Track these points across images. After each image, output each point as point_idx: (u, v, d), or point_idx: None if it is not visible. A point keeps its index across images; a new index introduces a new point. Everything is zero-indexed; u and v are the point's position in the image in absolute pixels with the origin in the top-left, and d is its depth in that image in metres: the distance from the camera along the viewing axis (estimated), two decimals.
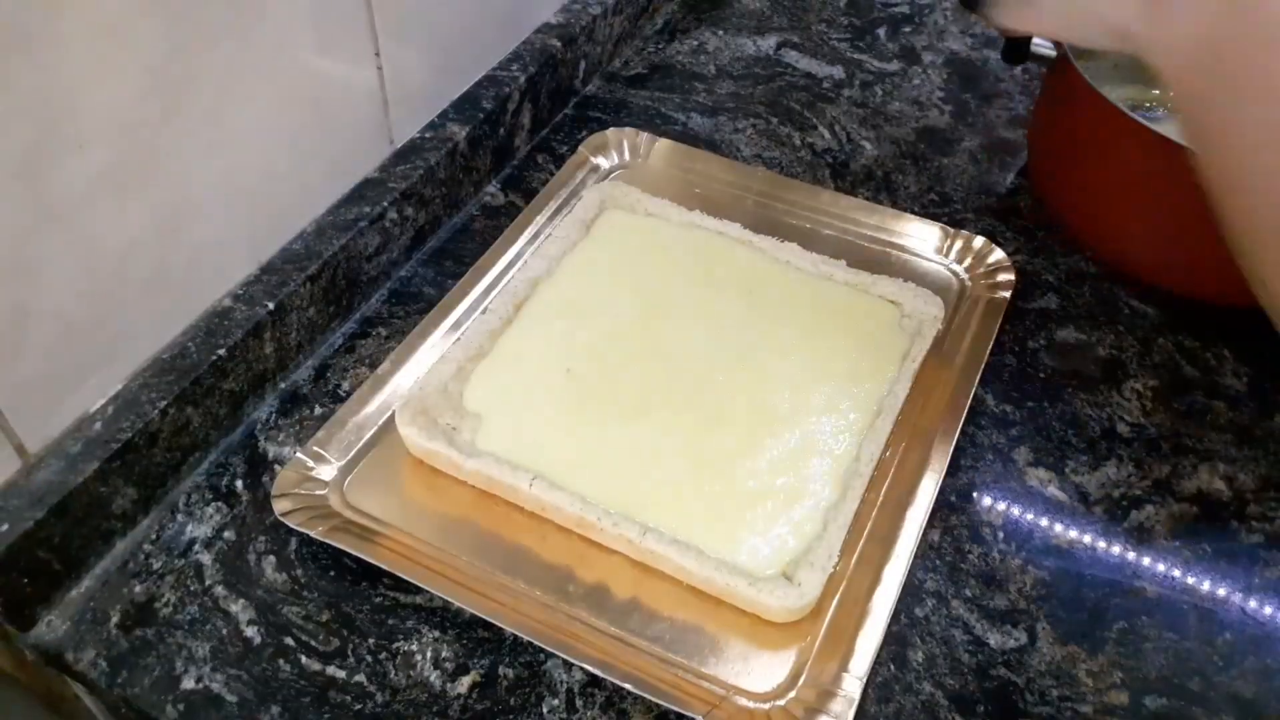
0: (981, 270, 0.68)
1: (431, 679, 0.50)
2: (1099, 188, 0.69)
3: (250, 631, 0.51)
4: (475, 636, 0.52)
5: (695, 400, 0.59)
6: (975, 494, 0.58)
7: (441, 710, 0.49)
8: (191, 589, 0.53)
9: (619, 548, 0.54)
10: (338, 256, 0.63)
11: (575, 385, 0.60)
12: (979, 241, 0.69)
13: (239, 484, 0.57)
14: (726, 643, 0.51)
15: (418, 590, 0.52)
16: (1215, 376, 0.64)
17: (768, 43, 0.89)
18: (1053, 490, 0.58)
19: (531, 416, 0.58)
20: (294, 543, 0.55)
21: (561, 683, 0.50)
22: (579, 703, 0.50)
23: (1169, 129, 0.59)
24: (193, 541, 0.55)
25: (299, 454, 0.57)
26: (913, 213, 0.72)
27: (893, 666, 0.51)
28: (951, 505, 0.57)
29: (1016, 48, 0.70)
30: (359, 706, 0.49)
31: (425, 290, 0.68)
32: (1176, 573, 0.55)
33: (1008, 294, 0.66)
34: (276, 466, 0.58)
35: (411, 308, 0.67)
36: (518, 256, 0.68)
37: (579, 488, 0.54)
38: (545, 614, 0.51)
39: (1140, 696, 0.50)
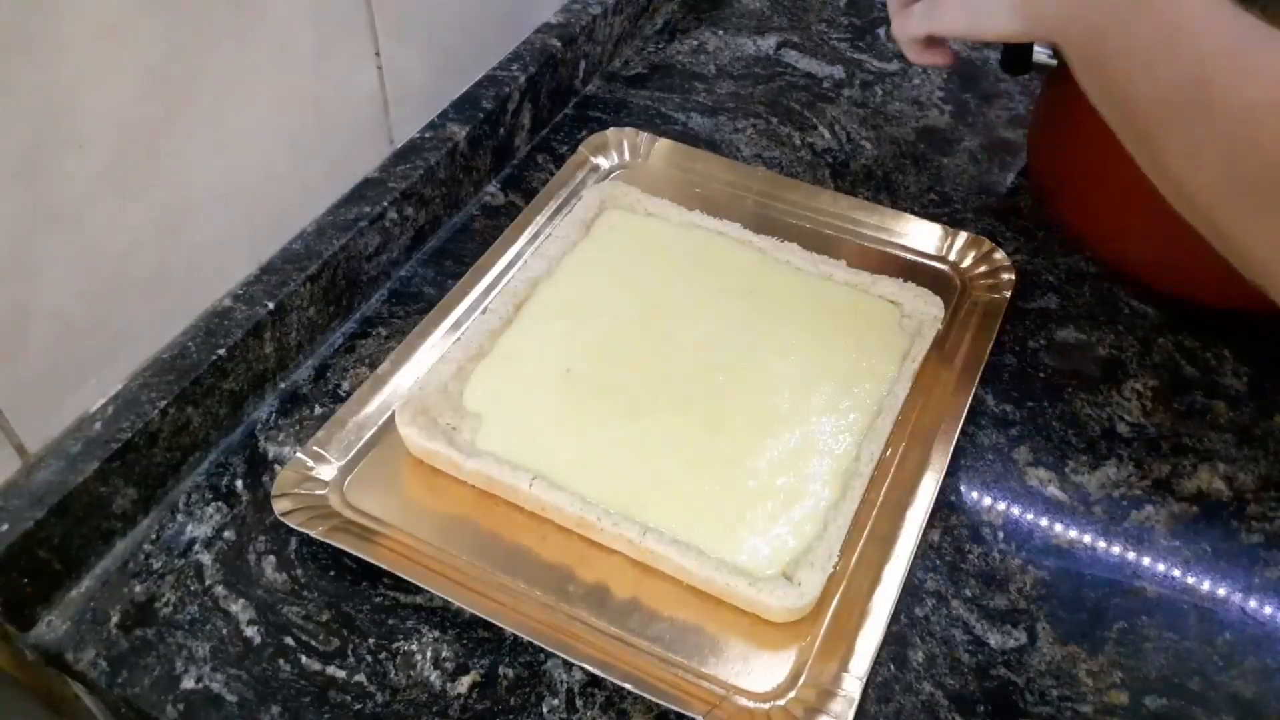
0: (981, 270, 0.68)
1: (431, 679, 0.50)
2: (1099, 188, 0.69)
3: (250, 631, 0.52)
4: (475, 636, 0.52)
5: (695, 400, 0.59)
6: (975, 494, 0.58)
7: (441, 710, 0.49)
8: (191, 589, 0.53)
9: (619, 548, 0.54)
10: (338, 256, 0.63)
11: (575, 385, 0.60)
12: (979, 241, 0.69)
13: (239, 484, 0.57)
14: (726, 643, 0.51)
15: (418, 590, 0.52)
16: (1215, 376, 0.64)
17: (768, 43, 0.89)
18: (1053, 490, 0.58)
19: (531, 416, 0.58)
20: (294, 543, 0.55)
21: (561, 683, 0.50)
22: (579, 703, 0.50)
23: None
24: (193, 541, 0.55)
25: (299, 454, 0.57)
26: (913, 213, 0.72)
27: (893, 666, 0.51)
28: (951, 505, 0.57)
29: (1017, 58, 0.69)
30: (359, 706, 0.49)
31: (425, 290, 0.68)
32: (1176, 573, 0.55)
33: (1008, 294, 0.66)
34: (276, 466, 0.58)
35: (411, 308, 0.67)
36: (518, 256, 0.68)
37: (579, 488, 0.54)
38: (545, 614, 0.51)
39: (1140, 696, 0.50)
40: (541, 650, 0.51)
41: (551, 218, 0.71)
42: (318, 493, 0.55)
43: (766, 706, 0.49)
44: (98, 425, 0.53)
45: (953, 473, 0.58)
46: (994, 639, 0.52)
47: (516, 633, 0.50)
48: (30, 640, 0.51)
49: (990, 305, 0.66)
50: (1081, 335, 0.66)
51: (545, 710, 0.49)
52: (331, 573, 0.54)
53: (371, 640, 0.51)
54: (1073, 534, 0.56)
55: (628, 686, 0.48)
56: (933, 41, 0.60)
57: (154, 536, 0.55)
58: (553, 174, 0.75)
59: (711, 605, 0.52)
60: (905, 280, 0.65)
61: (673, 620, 0.52)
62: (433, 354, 0.62)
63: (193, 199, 0.55)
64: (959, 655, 0.52)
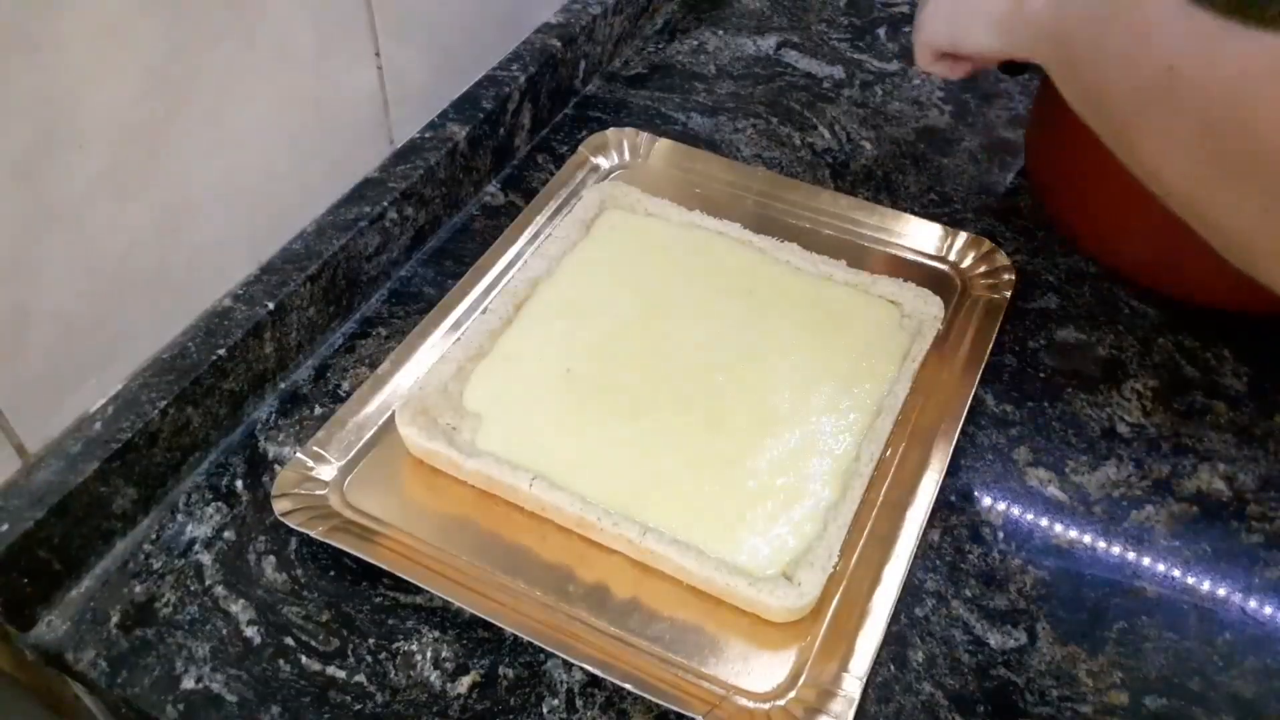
0: (981, 270, 0.68)
1: (431, 679, 0.50)
2: (1097, 189, 0.69)
3: (250, 631, 0.52)
4: (475, 636, 0.52)
5: (695, 400, 0.59)
6: (975, 494, 0.58)
7: (441, 710, 0.49)
8: (191, 589, 0.53)
9: (619, 548, 0.54)
10: (338, 256, 0.63)
11: (575, 385, 0.60)
12: (979, 241, 0.69)
13: (239, 484, 0.57)
14: (726, 643, 0.51)
15: (418, 590, 0.52)
16: (1215, 376, 0.64)
17: (768, 43, 0.89)
18: (1053, 490, 0.58)
19: (531, 416, 0.58)
20: (294, 543, 0.55)
21: (561, 683, 0.50)
22: (579, 703, 0.50)
23: None
24: (193, 541, 0.55)
25: (299, 454, 0.57)
26: (913, 213, 0.72)
27: (893, 666, 0.51)
28: (951, 505, 0.57)
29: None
30: (359, 706, 0.49)
31: (425, 290, 0.68)
32: (1176, 573, 0.55)
33: (1008, 294, 0.66)
34: (276, 466, 0.58)
35: (411, 308, 0.67)
36: (518, 256, 0.68)
37: (579, 488, 0.54)
38: (545, 614, 0.51)
39: (1140, 696, 0.50)
40: (541, 650, 0.51)
41: (551, 218, 0.71)
42: (318, 493, 0.55)
43: (766, 706, 0.49)
44: (98, 425, 0.53)
45: (953, 473, 0.58)
46: (994, 639, 0.52)
47: (516, 633, 0.50)
48: (30, 640, 0.51)
49: (990, 305, 0.66)
50: (1081, 335, 0.66)
51: (545, 710, 0.49)
52: (331, 573, 0.54)
53: (371, 640, 0.51)
54: (1073, 534, 0.56)
55: (628, 686, 0.48)
56: (949, 54, 0.62)
57: (154, 536, 0.55)
58: (553, 174, 0.75)
59: (711, 605, 0.52)
60: (905, 280, 0.65)
61: (673, 620, 0.52)
62: (433, 354, 0.62)
63: (193, 199, 0.55)
64: (959, 655, 0.52)
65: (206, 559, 0.54)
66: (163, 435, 0.55)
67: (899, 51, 0.88)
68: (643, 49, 0.88)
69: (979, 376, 0.61)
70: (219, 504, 0.57)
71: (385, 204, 0.65)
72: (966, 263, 0.69)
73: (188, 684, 0.50)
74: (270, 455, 0.59)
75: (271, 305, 0.59)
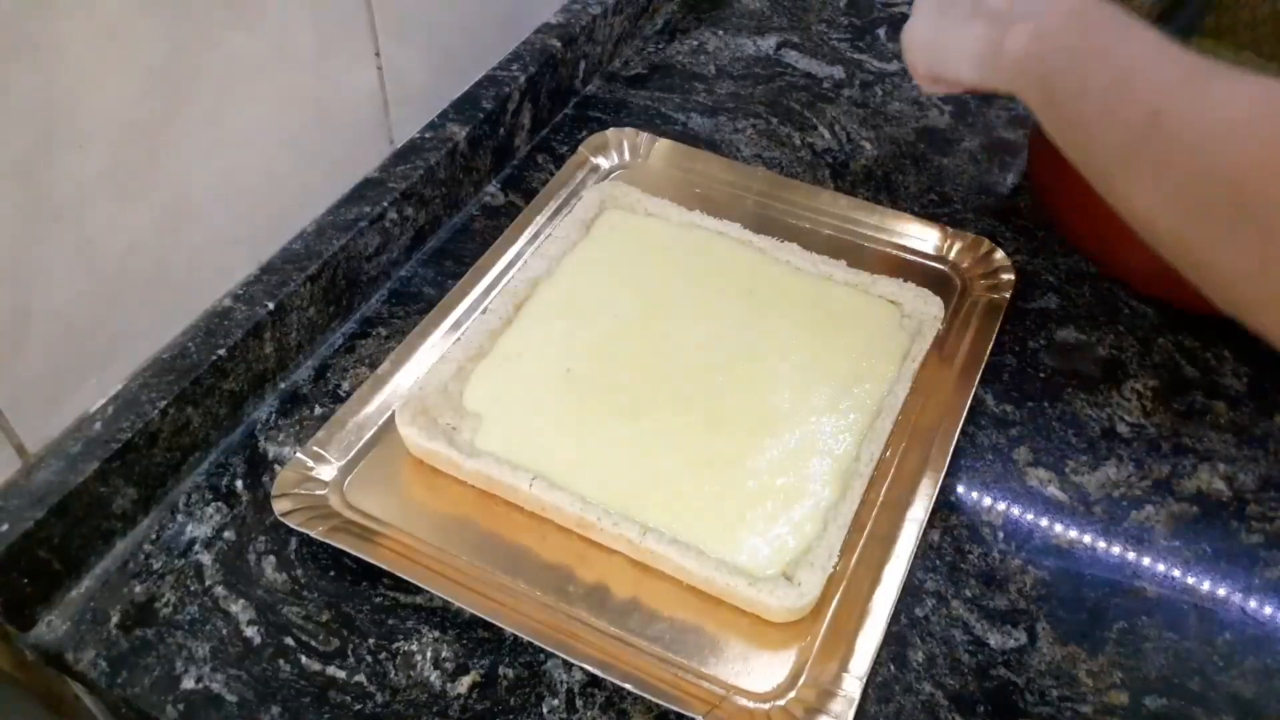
0: (981, 270, 0.68)
1: (431, 679, 0.50)
2: (1099, 196, 0.68)
3: (250, 631, 0.52)
4: (475, 636, 0.52)
5: (695, 400, 0.59)
6: (975, 494, 0.58)
7: (441, 710, 0.49)
8: (191, 589, 0.53)
9: (619, 548, 0.54)
10: (338, 256, 0.63)
11: (575, 385, 0.60)
12: (979, 241, 0.69)
13: (239, 484, 0.57)
14: (726, 643, 0.51)
15: (418, 590, 0.52)
16: (1215, 376, 0.64)
17: (768, 43, 0.89)
18: (1053, 490, 0.58)
19: (531, 416, 0.58)
20: (294, 543, 0.55)
21: (561, 683, 0.50)
22: (579, 703, 0.50)
23: None
24: (193, 541, 0.55)
25: (299, 454, 0.57)
26: (913, 213, 0.72)
27: (893, 666, 0.51)
28: (951, 505, 0.57)
29: None
30: (359, 706, 0.49)
31: (425, 290, 0.68)
32: (1176, 573, 0.55)
33: (1008, 294, 0.66)
34: (276, 466, 0.58)
35: (411, 308, 0.67)
36: (518, 256, 0.68)
37: (579, 488, 0.54)
38: (545, 614, 0.51)
39: (1140, 696, 0.50)
40: (541, 650, 0.51)
41: (551, 218, 0.71)
42: (318, 493, 0.55)
43: (766, 706, 0.49)
44: (98, 425, 0.53)
45: (953, 473, 0.58)
46: (994, 639, 0.52)
47: (516, 633, 0.50)
48: (30, 640, 0.51)
49: (990, 305, 0.66)
50: (1081, 335, 0.66)
51: (545, 710, 0.49)
52: (331, 573, 0.54)
53: (371, 640, 0.51)
54: (1073, 534, 0.56)
55: (628, 686, 0.48)
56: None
57: (154, 536, 0.55)
58: (553, 174, 0.75)
59: (711, 605, 0.52)
60: (905, 280, 0.65)
61: (673, 620, 0.52)
62: (433, 354, 0.62)
63: (193, 199, 0.55)
64: (959, 655, 0.52)
65: (206, 559, 0.54)
66: (163, 435, 0.55)
67: (899, 52, 0.87)
68: (643, 49, 0.88)
69: (979, 376, 0.61)
70: (219, 504, 0.57)
71: (385, 204, 0.65)
72: (966, 263, 0.69)
73: (188, 684, 0.50)
74: (270, 455, 0.59)
75: (271, 305, 0.59)
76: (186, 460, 0.57)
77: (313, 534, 0.53)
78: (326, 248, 0.62)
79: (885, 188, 0.75)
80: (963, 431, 0.59)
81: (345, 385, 0.62)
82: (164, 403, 0.54)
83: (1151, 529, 0.57)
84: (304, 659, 0.51)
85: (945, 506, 0.57)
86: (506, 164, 0.76)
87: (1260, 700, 0.50)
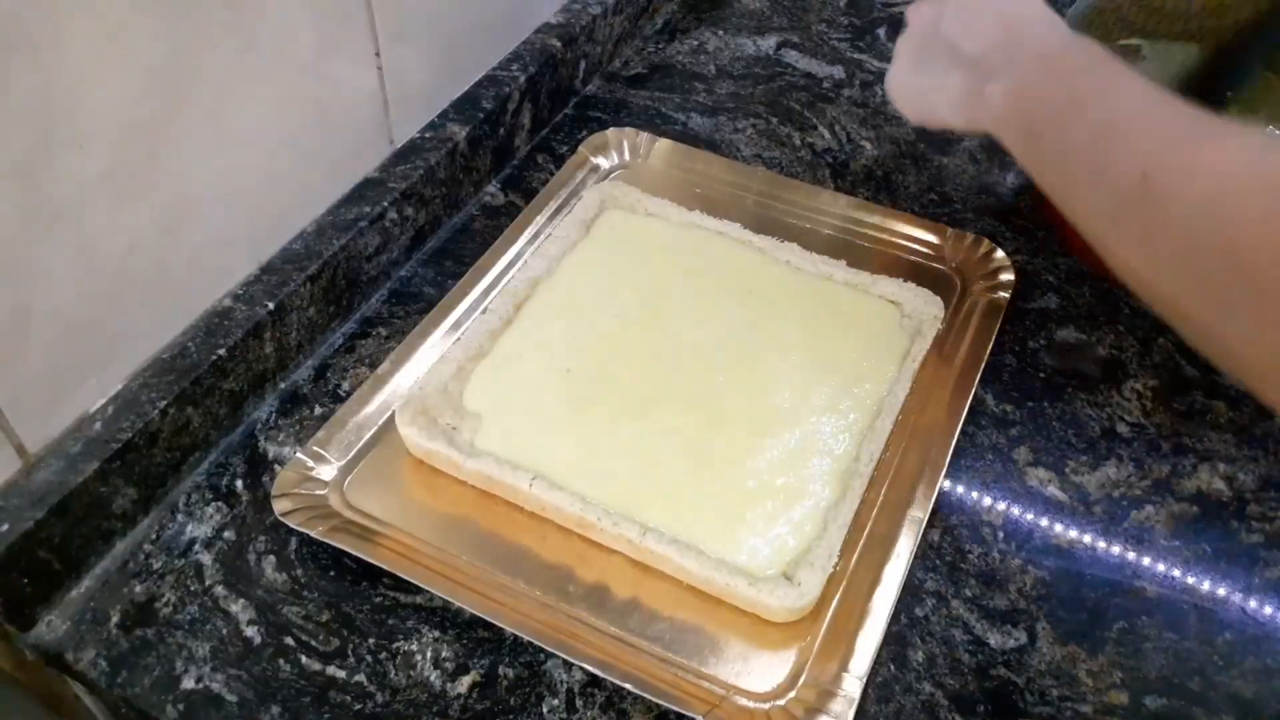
0: (981, 270, 0.68)
1: (431, 679, 0.50)
2: None
3: (250, 631, 0.51)
4: (475, 636, 0.52)
5: (695, 400, 0.59)
6: (975, 494, 0.58)
7: (441, 710, 0.49)
8: (191, 589, 0.53)
9: (619, 548, 0.54)
10: (338, 256, 0.63)
11: (575, 385, 0.60)
12: (979, 241, 0.69)
13: (239, 484, 0.57)
14: (726, 643, 0.51)
15: (418, 590, 0.52)
16: (1215, 376, 0.64)
17: (768, 43, 0.89)
18: (1053, 490, 0.58)
19: (531, 416, 0.58)
20: (294, 543, 0.55)
21: (561, 683, 0.50)
22: (579, 703, 0.50)
23: None
24: (193, 541, 0.55)
25: (299, 454, 0.57)
26: (913, 213, 0.72)
27: (893, 666, 0.51)
28: (951, 505, 0.57)
29: None
30: (359, 706, 0.49)
31: (425, 290, 0.68)
32: (1176, 573, 0.55)
33: (1008, 294, 0.66)
34: (276, 466, 0.58)
35: (411, 308, 0.67)
36: (518, 256, 0.68)
37: (579, 488, 0.54)
38: (545, 614, 0.51)
39: (1140, 696, 0.50)
40: (541, 650, 0.51)
41: (551, 218, 0.71)
42: (318, 493, 0.55)
43: (766, 706, 0.49)
44: (98, 425, 0.53)
45: (953, 473, 0.58)
46: (994, 639, 0.52)
47: (516, 633, 0.50)
48: (30, 640, 0.51)
49: (990, 305, 0.66)
50: (1081, 335, 0.66)
51: (545, 710, 0.49)
52: (331, 573, 0.54)
53: (371, 640, 0.51)
54: (1073, 534, 0.56)
55: (628, 686, 0.48)
56: None
57: (154, 536, 0.55)
58: (553, 174, 0.75)
59: (711, 605, 0.52)
60: (905, 280, 0.65)
61: (673, 620, 0.52)
62: (433, 354, 0.62)
63: (193, 199, 0.55)
64: (959, 655, 0.52)
65: (206, 559, 0.54)
66: (163, 435, 0.55)
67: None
68: (643, 49, 0.88)
69: (979, 376, 0.61)
70: (219, 504, 0.57)
71: (385, 204, 0.65)
72: (966, 263, 0.68)
73: (188, 684, 0.50)
74: (270, 455, 0.59)
75: (271, 305, 0.59)
76: (186, 460, 0.57)
77: (313, 534, 0.53)
78: (326, 248, 0.62)
79: (885, 188, 0.75)
80: (963, 431, 0.59)
81: (345, 385, 0.62)
82: (164, 403, 0.54)
83: (1151, 529, 0.57)
84: (304, 659, 0.51)
85: (945, 506, 0.57)
86: (506, 164, 0.76)
87: (1260, 700, 0.50)
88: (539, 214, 0.71)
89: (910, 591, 0.54)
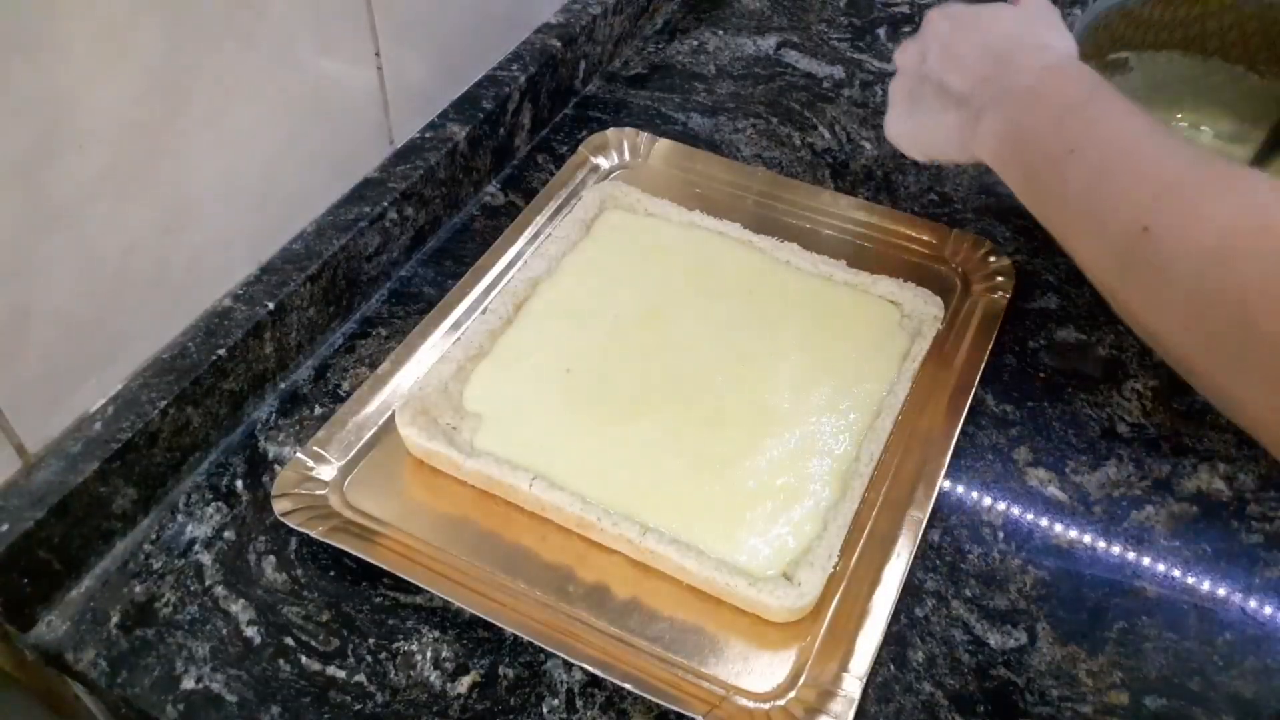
0: (981, 270, 0.68)
1: (431, 679, 0.50)
2: None
3: (250, 631, 0.52)
4: (475, 636, 0.52)
5: (695, 400, 0.59)
6: (975, 494, 0.58)
7: (441, 710, 0.49)
8: (191, 589, 0.53)
9: (619, 548, 0.54)
10: (338, 256, 0.63)
11: (575, 385, 0.60)
12: (979, 241, 0.69)
13: (239, 484, 0.57)
14: (726, 643, 0.51)
15: (418, 590, 0.52)
16: None
17: (768, 43, 0.89)
18: (1053, 490, 0.58)
19: (531, 416, 0.58)
20: (294, 543, 0.55)
21: (561, 683, 0.50)
22: (579, 703, 0.50)
23: None
24: (193, 541, 0.55)
25: (299, 454, 0.57)
26: (913, 213, 0.72)
27: (893, 666, 0.51)
28: (951, 505, 0.57)
29: None
30: (359, 706, 0.49)
31: (425, 290, 0.68)
32: (1176, 573, 0.55)
33: (1008, 294, 0.66)
34: (276, 466, 0.58)
35: (411, 308, 0.67)
36: (518, 256, 0.68)
37: (579, 488, 0.54)
38: (545, 614, 0.51)
39: (1140, 696, 0.50)
40: (541, 650, 0.51)
41: (551, 218, 0.71)
42: (318, 493, 0.55)
43: (766, 706, 0.49)
44: (98, 425, 0.53)
45: (953, 473, 0.58)
46: (994, 639, 0.52)
47: (516, 633, 0.50)
48: (30, 640, 0.51)
49: (990, 305, 0.66)
50: (1081, 335, 0.66)
51: (545, 710, 0.49)
52: (331, 573, 0.54)
53: (371, 640, 0.51)
54: (1073, 534, 0.56)
55: (628, 686, 0.48)
56: None
57: (154, 536, 0.55)
58: (553, 174, 0.75)
59: (711, 605, 0.52)
60: (905, 280, 0.65)
61: (673, 620, 0.52)
62: (433, 354, 0.62)
63: (193, 199, 0.55)
64: (959, 655, 0.52)
65: (206, 559, 0.54)
66: (163, 435, 0.55)
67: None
68: (643, 49, 0.88)
69: (979, 376, 0.61)
70: (219, 504, 0.57)
71: (385, 204, 0.65)
72: (966, 263, 0.68)
73: (188, 684, 0.50)
74: (270, 455, 0.59)
75: (271, 305, 0.59)
76: (186, 460, 0.57)
77: (313, 534, 0.53)
78: (326, 248, 0.62)
79: (885, 188, 0.75)
80: (963, 431, 0.59)
81: (345, 385, 0.62)
82: (164, 403, 0.54)
83: (1151, 529, 0.57)
84: (304, 659, 0.51)
85: (945, 506, 0.57)
86: (506, 164, 0.76)
87: (1260, 700, 0.50)
88: (539, 214, 0.71)
89: (910, 591, 0.54)
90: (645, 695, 0.48)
